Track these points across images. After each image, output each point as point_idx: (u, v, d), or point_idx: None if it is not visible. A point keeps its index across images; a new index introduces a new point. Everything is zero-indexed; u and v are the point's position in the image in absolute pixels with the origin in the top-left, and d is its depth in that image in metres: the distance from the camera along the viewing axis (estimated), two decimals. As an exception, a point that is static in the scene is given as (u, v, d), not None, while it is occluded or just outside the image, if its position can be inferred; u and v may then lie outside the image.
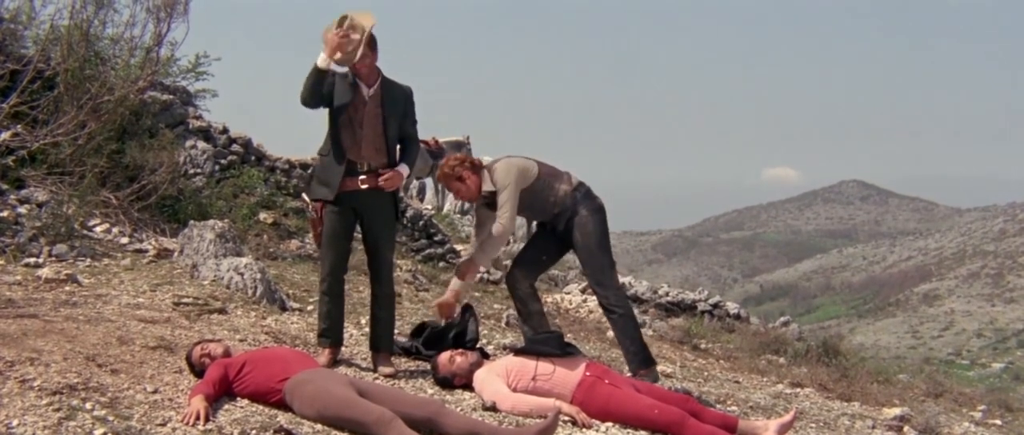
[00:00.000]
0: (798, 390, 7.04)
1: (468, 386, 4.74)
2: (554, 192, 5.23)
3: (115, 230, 7.65)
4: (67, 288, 5.71)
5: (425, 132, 15.27)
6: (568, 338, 5.74)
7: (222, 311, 5.74)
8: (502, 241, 5.20)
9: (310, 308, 6.49)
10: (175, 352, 4.51)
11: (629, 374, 5.39)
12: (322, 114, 4.91)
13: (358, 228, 5.07)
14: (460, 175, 5.19)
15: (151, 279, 6.32)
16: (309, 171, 4.89)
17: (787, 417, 4.65)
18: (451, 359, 4.80)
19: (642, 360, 5.21)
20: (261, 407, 3.97)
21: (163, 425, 3.54)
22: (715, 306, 11.90)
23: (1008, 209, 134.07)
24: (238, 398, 4.03)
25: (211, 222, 7.10)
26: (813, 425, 5.62)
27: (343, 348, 5.32)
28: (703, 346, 9.15)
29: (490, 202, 5.23)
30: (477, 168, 5.24)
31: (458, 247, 11.46)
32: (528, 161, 5.28)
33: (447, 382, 4.78)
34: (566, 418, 4.36)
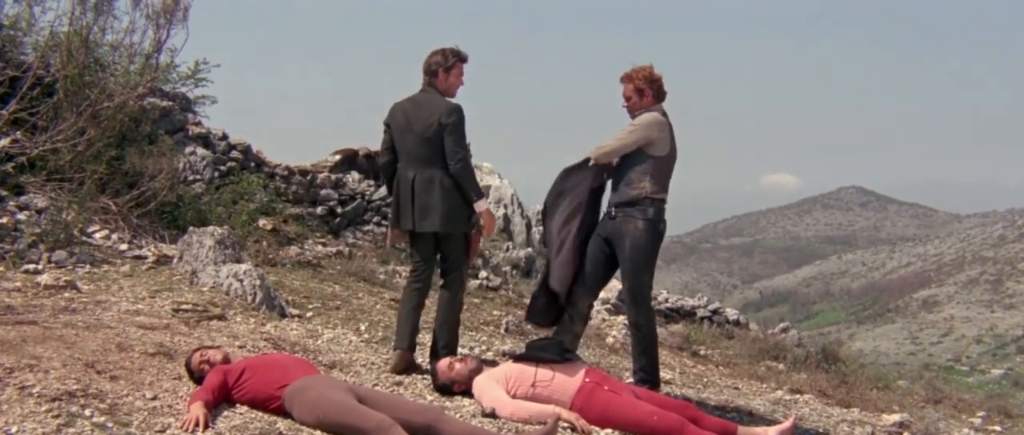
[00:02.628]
0: (797, 396, 7.03)
1: (467, 392, 4.73)
2: (640, 179, 5.13)
3: (114, 236, 7.65)
4: (66, 294, 5.71)
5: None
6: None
7: (221, 317, 5.73)
8: (600, 157, 5.18)
9: (310, 314, 6.49)
10: (174, 359, 4.51)
11: (631, 380, 5.39)
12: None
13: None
14: (643, 89, 5.17)
15: (150, 285, 6.32)
16: (447, 193, 5.08)
17: (786, 423, 4.65)
18: (450, 365, 4.80)
19: (651, 382, 5.20)
20: (260, 414, 3.97)
21: (162, 432, 3.54)
22: (714, 312, 11.90)
23: (1007, 215, 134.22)
24: (237, 405, 4.03)
25: (210, 228, 7.09)
26: (812, 431, 5.62)
27: (344, 355, 5.34)
28: (702, 352, 9.14)
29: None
30: (657, 99, 5.20)
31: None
32: (668, 137, 5.17)
33: (446, 388, 4.78)
34: (565, 424, 4.36)
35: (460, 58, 5.14)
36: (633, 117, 5.21)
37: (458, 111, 5.03)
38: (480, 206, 5.11)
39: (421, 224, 5.11)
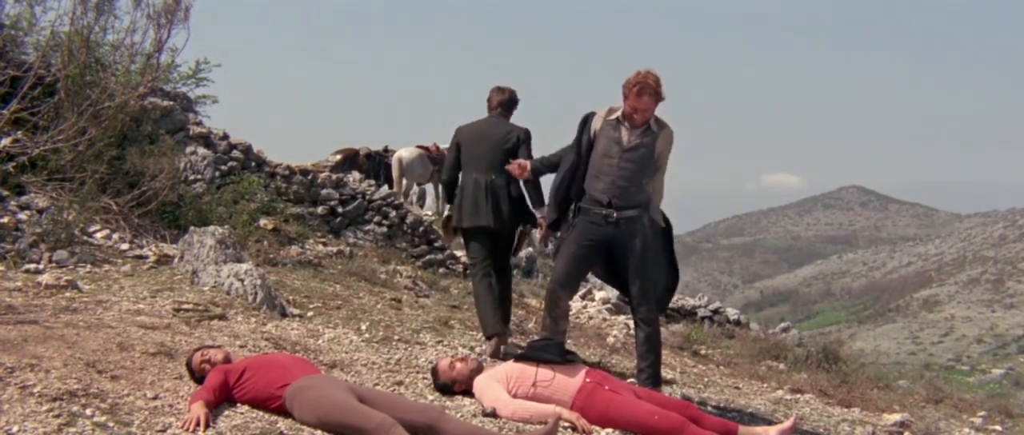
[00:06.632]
0: (798, 396, 7.04)
1: (468, 392, 4.74)
2: (647, 184, 5.21)
3: (115, 236, 7.65)
4: (67, 294, 5.71)
5: (425, 138, 15.31)
6: (568, 345, 5.74)
7: (222, 317, 5.73)
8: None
9: (310, 314, 6.49)
10: (175, 358, 4.51)
11: (632, 380, 5.40)
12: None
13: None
14: (658, 100, 5.13)
15: (151, 285, 6.32)
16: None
17: (787, 423, 4.65)
18: (451, 365, 4.81)
19: (654, 380, 5.22)
20: (261, 413, 3.97)
21: (163, 431, 3.55)
22: (715, 312, 11.88)
23: (1008, 215, 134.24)
24: (238, 404, 4.03)
25: (211, 228, 7.09)
26: (813, 431, 5.63)
27: (345, 355, 5.34)
28: (703, 352, 9.14)
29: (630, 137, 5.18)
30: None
31: (458, 253, 11.45)
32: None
33: (447, 388, 4.78)
34: (566, 424, 4.36)
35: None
36: (634, 128, 5.17)
37: (529, 133, 6.20)
38: (540, 213, 5.98)
39: (495, 221, 6.10)
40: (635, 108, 5.11)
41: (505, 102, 6.34)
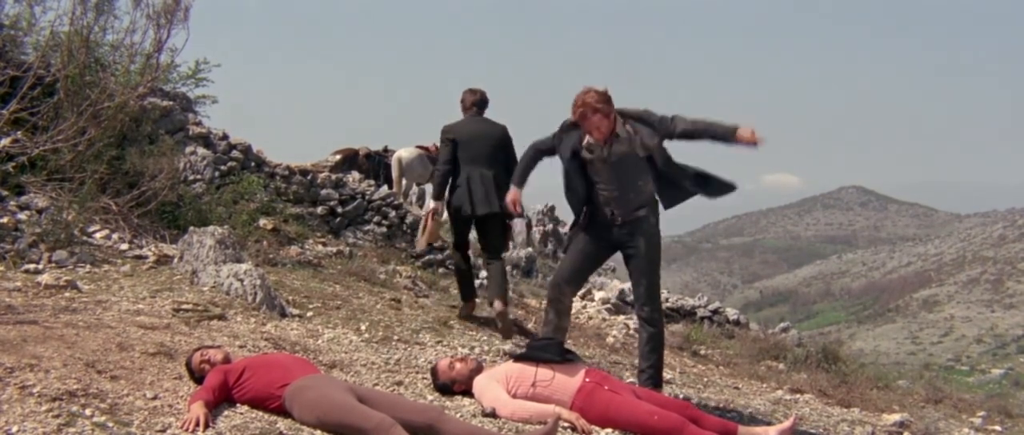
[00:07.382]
0: (798, 396, 7.04)
1: (468, 392, 4.74)
2: (647, 183, 5.19)
3: (115, 236, 7.65)
4: (67, 294, 5.71)
5: (425, 139, 15.32)
6: (567, 344, 5.74)
7: (222, 317, 5.73)
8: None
9: (310, 314, 6.49)
10: (175, 358, 4.51)
11: (632, 380, 5.40)
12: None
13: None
14: (608, 112, 4.99)
15: (151, 285, 6.32)
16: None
17: (787, 423, 4.66)
18: (451, 365, 4.81)
19: (655, 381, 5.23)
20: (261, 413, 3.97)
21: (163, 431, 3.55)
22: (715, 312, 11.88)
23: (1008, 215, 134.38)
24: (238, 404, 4.03)
25: (211, 228, 7.09)
26: (813, 431, 5.63)
27: (344, 355, 5.35)
28: (703, 352, 9.14)
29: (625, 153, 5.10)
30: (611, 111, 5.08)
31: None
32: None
33: (446, 388, 4.78)
34: (566, 424, 4.36)
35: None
36: (603, 145, 5.09)
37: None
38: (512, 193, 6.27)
39: (493, 207, 6.74)
40: (589, 130, 5.07)
41: (478, 102, 7.07)
